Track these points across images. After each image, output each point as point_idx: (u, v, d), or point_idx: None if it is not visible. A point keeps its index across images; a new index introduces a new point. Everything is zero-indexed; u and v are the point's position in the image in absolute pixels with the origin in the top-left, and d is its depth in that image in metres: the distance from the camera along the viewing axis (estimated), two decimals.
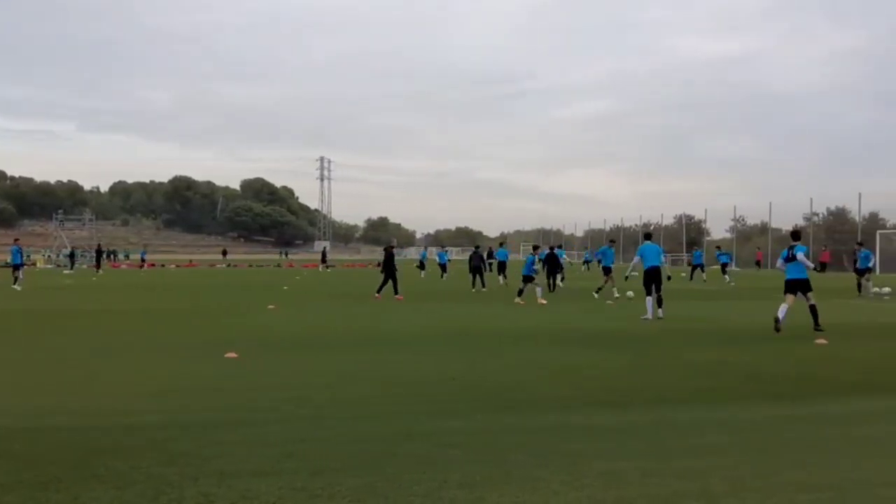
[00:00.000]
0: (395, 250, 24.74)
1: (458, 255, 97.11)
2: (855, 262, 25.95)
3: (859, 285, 23.98)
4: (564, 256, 35.27)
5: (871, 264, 24.57)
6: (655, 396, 7.42)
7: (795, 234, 14.68)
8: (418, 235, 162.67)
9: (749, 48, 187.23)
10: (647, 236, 17.71)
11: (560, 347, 11.30)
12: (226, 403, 7.01)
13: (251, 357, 9.94)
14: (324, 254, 55.46)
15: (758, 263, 48.38)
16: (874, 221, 53.76)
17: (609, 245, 25.54)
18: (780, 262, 14.36)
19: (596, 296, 22.20)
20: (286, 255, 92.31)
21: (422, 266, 42.20)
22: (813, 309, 13.43)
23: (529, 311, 18.21)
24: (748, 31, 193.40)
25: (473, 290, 25.99)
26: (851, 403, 7.18)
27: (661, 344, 11.66)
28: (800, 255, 13.61)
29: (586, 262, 51.04)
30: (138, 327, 14.14)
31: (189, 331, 13.50)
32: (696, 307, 19.38)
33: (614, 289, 22.12)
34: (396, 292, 22.03)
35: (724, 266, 34.36)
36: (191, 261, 68.93)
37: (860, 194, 50.94)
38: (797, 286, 13.84)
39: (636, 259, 16.92)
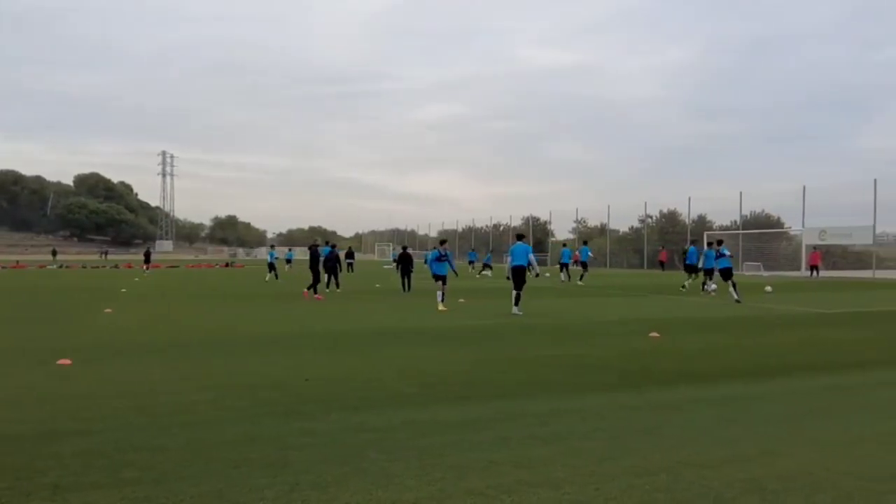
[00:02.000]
0: (318, 249, 25.47)
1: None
2: (684, 259, 28.16)
3: (704, 283, 25.76)
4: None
5: (715, 264, 26.48)
6: (500, 390, 7.67)
7: (719, 241, 17.14)
8: (269, 235, 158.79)
9: (589, 58, 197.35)
10: (520, 237, 18.58)
11: (411, 346, 11.43)
12: (59, 413, 6.57)
13: (86, 363, 9.38)
14: (147, 254, 52.48)
15: (662, 264, 50.03)
16: (702, 223, 58.03)
17: (564, 245, 27.73)
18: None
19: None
20: (106, 255, 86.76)
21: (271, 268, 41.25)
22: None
23: (386, 311, 18.28)
24: (589, 42, 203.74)
25: (328, 291, 25.73)
26: (679, 391, 7.75)
27: (510, 340, 12.06)
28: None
29: (471, 262, 51.77)
30: None
31: (16, 337, 12.50)
32: (550, 305, 20.15)
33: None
34: (315, 291, 23.16)
35: (577, 264, 35.76)
36: (18, 262, 63.76)
37: (689, 198, 55.22)
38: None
39: (509, 258, 17.89)
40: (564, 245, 40.18)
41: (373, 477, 4.64)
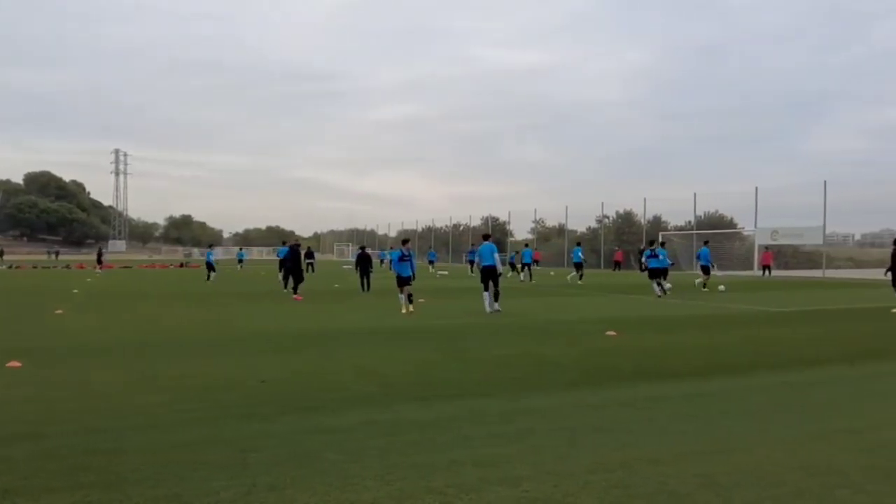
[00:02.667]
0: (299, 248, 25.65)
1: (269, 255, 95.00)
2: (640, 261, 28.64)
3: (659, 283, 26.08)
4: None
5: (671, 263, 26.90)
6: (461, 390, 7.69)
7: (662, 243, 17.68)
8: (226, 235, 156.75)
9: (549, 60, 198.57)
10: (486, 237, 19.00)
11: (370, 346, 11.38)
12: (10, 416, 6.40)
13: (37, 366, 9.15)
14: (99, 254, 51.34)
15: (617, 264, 50.35)
16: (657, 224, 58.92)
17: (525, 246, 27.96)
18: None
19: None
20: (57, 255, 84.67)
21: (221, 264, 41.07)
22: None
23: (345, 311, 18.18)
24: (548, 44, 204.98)
25: (285, 291, 25.50)
26: (636, 389, 7.85)
27: (471, 340, 12.09)
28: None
29: (431, 262, 51.71)
30: None
31: None
32: (511, 304, 20.22)
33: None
34: (296, 291, 23.08)
35: (525, 265, 35.88)
36: None
37: (645, 199, 56.14)
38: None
39: (477, 258, 18.00)
40: (526, 245, 40.51)
41: (331, 478, 4.61)
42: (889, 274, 19.25)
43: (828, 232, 43.49)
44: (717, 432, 5.89)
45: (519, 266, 36.48)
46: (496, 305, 17.24)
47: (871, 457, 5.16)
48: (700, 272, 28.70)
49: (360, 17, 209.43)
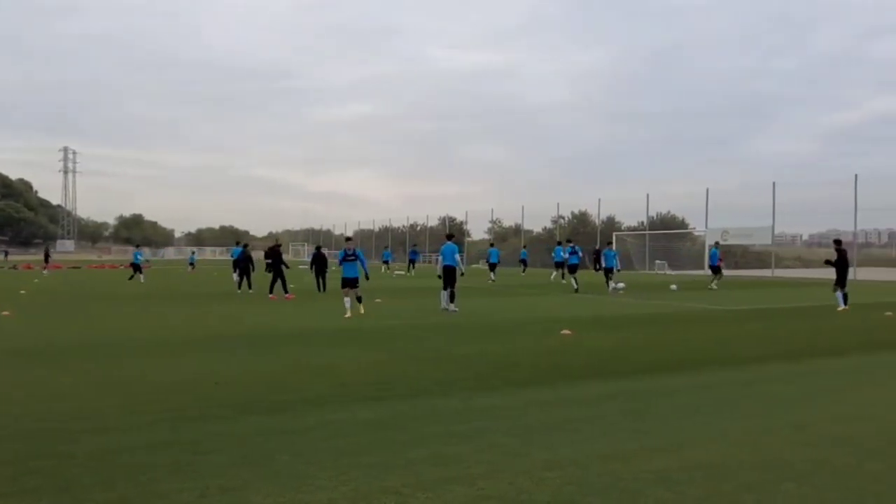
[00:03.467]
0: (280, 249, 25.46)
1: (222, 255, 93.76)
2: (597, 260, 28.92)
3: (607, 282, 26.43)
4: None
5: (616, 263, 27.24)
6: (417, 389, 7.69)
7: (568, 241, 17.67)
8: (177, 234, 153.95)
9: (504, 62, 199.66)
10: (449, 237, 19.32)
11: (327, 347, 11.32)
12: None
13: None
14: (46, 254, 49.96)
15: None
16: (611, 224, 59.74)
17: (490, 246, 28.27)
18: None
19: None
20: (6, 255, 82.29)
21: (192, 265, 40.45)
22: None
23: (301, 312, 18.03)
24: (503, 46, 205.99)
25: (239, 292, 25.22)
26: (589, 386, 7.95)
27: (427, 339, 12.10)
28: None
29: (385, 262, 51.53)
30: None
31: None
32: (467, 304, 20.28)
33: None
34: (286, 291, 22.96)
35: (492, 265, 35.99)
36: None
37: (599, 200, 56.98)
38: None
39: (439, 258, 18.62)
40: (492, 245, 40.69)
41: (285, 479, 4.58)
42: (833, 269, 19.27)
43: (776, 232, 44.58)
44: (669, 429, 6.00)
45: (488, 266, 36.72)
46: (452, 306, 17.41)
47: (816, 451, 5.32)
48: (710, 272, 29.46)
49: (317, 15, 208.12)
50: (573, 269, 26.62)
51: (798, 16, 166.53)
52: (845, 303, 17.99)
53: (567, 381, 8.29)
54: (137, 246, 39.54)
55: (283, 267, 23.83)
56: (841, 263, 18.53)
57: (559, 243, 37.28)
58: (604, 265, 26.68)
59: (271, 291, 23.16)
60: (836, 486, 4.53)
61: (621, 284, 26.75)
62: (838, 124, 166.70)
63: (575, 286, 25.56)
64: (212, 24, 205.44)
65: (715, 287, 27.74)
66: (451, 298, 17.50)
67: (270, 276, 23.87)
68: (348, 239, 18.44)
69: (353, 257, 16.94)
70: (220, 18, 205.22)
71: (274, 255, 24.22)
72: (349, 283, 16.62)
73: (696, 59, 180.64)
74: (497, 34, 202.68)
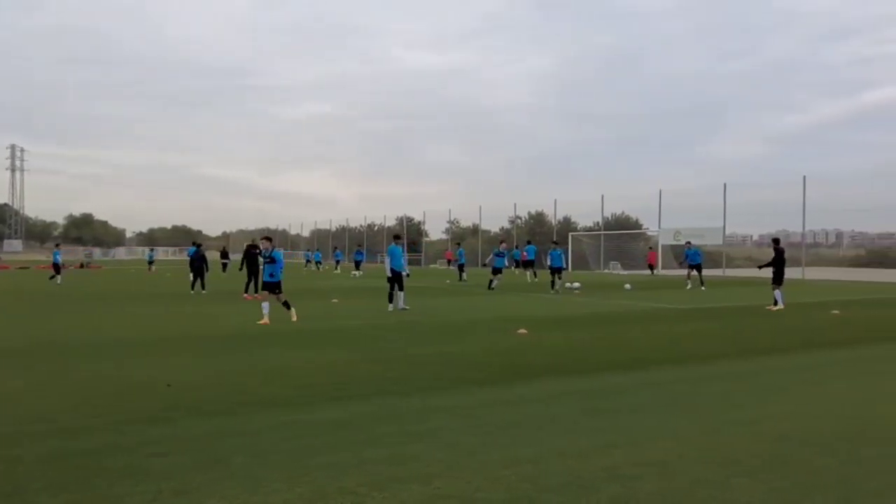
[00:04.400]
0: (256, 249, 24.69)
1: (175, 255, 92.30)
2: (519, 261, 29.97)
3: (553, 282, 26.66)
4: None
5: (563, 263, 27.50)
6: (374, 389, 7.67)
7: (502, 241, 17.74)
8: (129, 234, 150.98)
9: (462, 63, 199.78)
10: (396, 238, 19.63)
11: (282, 348, 11.21)
12: None
13: None
14: None
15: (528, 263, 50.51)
16: (567, 224, 60.36)
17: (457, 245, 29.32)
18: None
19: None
20: None
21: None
22: None
23: (256, 312, 17.82)
24: (461, 47, 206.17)
25: (192, 292, 24.86)
26: (545, 385, 8.02)
27: (384, 339, 12.06)
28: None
29: (337, 261, 51.11)
30: None
31: None
32: (425, 303, 20.29)
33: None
34: (256, 290, 21.71)
35: (461, 267, 36.43)
36: None
37: (556, 200, 57.50)
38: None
39: (387, 259, 18.68)
40: (458, 245, 40.96)
41: (240, 481, 4.53)
42: (768, 269, 19.51)
43: (728, 233, 45.48)
44: (622, 426, 6.08)
45: (457, 266, 37.15)
46: (401, 304, 17.87)
47: (766, 446, 5.45)
48: (695, 272, 29.56)
49: (275, 13, 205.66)
50: (497, 271, 27.64)
51: (747, 22, 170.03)
52: (782, 301, 18.44)
53: (523, 379, 8.34)
54: (57, 245, 37.70)
55: (256, 266, 23.63)
56: (778, 262, 18.98)
57: (528, 242, 39.11)
58: (549, 264, 26.91)
59: (246, 291, 23.13)
60: (787, 481, 4.65)
61: (577, 284, 27.04)
62: (787, 127, 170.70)
63: (490, 286, 26.87)
64: (169, 21, 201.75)
65: (704, 288, 27.50)
66: (390, 300, 18.04)
67: (246, 275, 23.78)
68: (268, 238, 15.98)
69: (269, 259, 15.26)
70: (178, 16, 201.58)
71: (251, 256, 23.89)
72: (266, 286, 15.25)
73: (651, 62, 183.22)
74: (455, 35, 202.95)
